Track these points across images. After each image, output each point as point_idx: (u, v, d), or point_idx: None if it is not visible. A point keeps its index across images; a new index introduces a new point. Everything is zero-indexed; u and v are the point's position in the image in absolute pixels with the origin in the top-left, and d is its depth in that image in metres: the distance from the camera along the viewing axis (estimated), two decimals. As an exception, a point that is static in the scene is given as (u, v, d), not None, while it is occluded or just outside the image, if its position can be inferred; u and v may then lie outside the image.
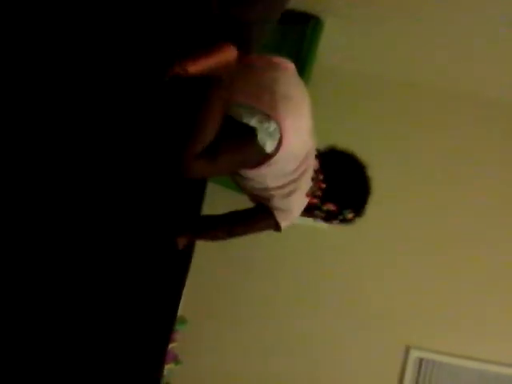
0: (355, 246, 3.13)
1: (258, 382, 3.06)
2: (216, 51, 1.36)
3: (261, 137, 1.44)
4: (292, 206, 1.66)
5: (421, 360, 3.10)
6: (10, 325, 1.39)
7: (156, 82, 1.47)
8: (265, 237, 3.07)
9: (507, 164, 3.16)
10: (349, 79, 3.17)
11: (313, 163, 1.65)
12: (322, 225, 3.04)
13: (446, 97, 3.19)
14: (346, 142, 1.74)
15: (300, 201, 1.67)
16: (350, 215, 1.72)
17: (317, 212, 1.74)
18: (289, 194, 1.62)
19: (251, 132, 1.44)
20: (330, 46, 2.87)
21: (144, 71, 1.54)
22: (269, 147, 1.45)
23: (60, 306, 1.46)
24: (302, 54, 2.74)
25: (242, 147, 1.46)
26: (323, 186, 1.68)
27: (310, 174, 1.64)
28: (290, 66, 1.61)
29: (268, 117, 1.44)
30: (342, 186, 1.69)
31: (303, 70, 2.67)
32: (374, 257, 3.12)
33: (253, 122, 1.44)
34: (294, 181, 1.60)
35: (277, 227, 1.69)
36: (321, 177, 1.68)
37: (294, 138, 1.48)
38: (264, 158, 1.48)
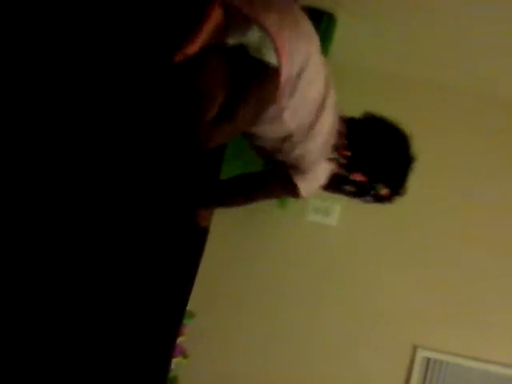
0: (363, 244, 3.11)
1: (264, 379, 3.06)
2: (207, 21, 1.31)
3: (253, 49, 1.32)
4: (310, 164, 1.48)
5: (428, 360, 3.09)
6: (22, 319, 1.40)
7: (163, 69, 1.44)
8: (273, 235, 3.11)
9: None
10: (362, 77, 3.15)
11: (333, 105, 1.47)
12: (330, 221, 3.09)
13: (452, 94, 3.15)
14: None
15: (320, 163, 1.50)
16: (383, 191, 1.54)
17: (346, 187, 1.56)
18: (307, 140, 1.45)
19: (247, 57, 1.33)
20: (343, 43, 2.85)
21: (150, 60, 1.53)
22: (270, 57, 1.31)
23: (67, 298, 1.47)
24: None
25: (255, 83, 1.34)
26: (347, 153, 1.52)
27: (330, 113, 1.46)
28: None
29: (247, 19, 1.31)
30: (368, 152, 1.52)
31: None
32: (381, 255, 3.10)
33: (236, 37, 1.32)
34: (314, 121, 1.44)
35: (294, 191, 1.52)
36: (345, 142, 1.51)
37: (289, 42, 1.33)
38: (278, 77, 1.33)
